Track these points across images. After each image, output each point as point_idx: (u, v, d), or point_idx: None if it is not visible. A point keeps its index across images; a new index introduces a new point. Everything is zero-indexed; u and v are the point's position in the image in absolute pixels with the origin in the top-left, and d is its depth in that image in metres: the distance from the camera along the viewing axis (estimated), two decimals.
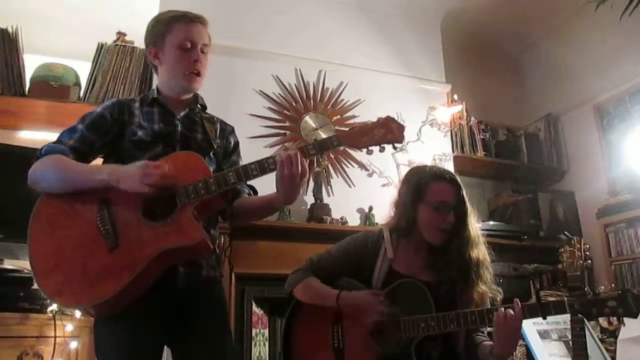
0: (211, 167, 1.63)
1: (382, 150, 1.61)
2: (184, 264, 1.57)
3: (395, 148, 1.64)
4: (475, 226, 1.85)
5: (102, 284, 1.40)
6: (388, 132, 1.59)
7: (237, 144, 1.86)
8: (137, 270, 1.41)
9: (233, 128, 1.88)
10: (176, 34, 1.69)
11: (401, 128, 1.61)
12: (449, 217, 1.77)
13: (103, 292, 1.39)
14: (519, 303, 1.61)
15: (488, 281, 1.80)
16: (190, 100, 1.78)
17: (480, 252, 1.81)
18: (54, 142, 1.60)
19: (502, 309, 1.60)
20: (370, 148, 1.60)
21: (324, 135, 3.13)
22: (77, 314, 2.15)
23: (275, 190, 1.58)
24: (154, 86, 2.84)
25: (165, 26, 1.71)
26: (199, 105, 1.79)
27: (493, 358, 1.64)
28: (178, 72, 1.70)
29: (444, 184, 1.82)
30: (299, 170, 1.49)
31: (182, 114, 1.74)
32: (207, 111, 1.84)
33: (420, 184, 1.83)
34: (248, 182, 1.70)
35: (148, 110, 1.71)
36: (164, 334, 1.57)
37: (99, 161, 1.70)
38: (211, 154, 1.71)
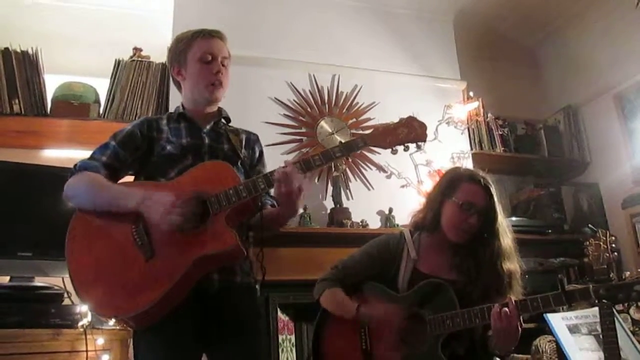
0: (239, 176, 1.66)
1: (406, 149, 1.66)
2: (218, 271, 1.60)
3: (419, 147, 1.68)
4: (508, 237, 1.85)
5: (141, 294, 1.43)
6: (411, 131, 1.64)
7: (261, 152, 1.90)
8: (175, 278, 1.44)
9: (257, 136, 1.92)
10: (197, 48, 1.76)
11: (423, 126, 1.66)
12: (472, 219, 1.79)
13: (143, 302, 1.42)
14: (513, 300, 1.62)
15: (518, 292, 1.80)
16: (214, 114, 1.83)
17: (513, 263, 1.83)
18: (87, 159, 1.65)
19: (498, 306, 1.62)
20: (394, 148, 1.64)
21: (339, 139, 3.15)
22: (109, 325, 2.19)
23: None
24: (170, 100, 2.92)
25: (186, 43, 1.79)
26: (223, 120, 1.85)
27: (497, 350, 1.70)
28: (201, 84, 1.76)
29: (476, 187, 1.83)
30: (295, 187, 1.53)
31: (207, 127, 1.79)
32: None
33: (453, 181, 1.88)
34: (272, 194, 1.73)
35: (175, 126, 1.76)
36: (200, 342, 1.59)
37: (129, 178, 1.75)
38: (238, 163, 1.75)
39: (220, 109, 1.86)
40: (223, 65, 1.78)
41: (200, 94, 1.77)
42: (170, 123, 1.77)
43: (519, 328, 1.61)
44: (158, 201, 1.49)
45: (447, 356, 1.68)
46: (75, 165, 1.63)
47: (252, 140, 1.89)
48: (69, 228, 1.56)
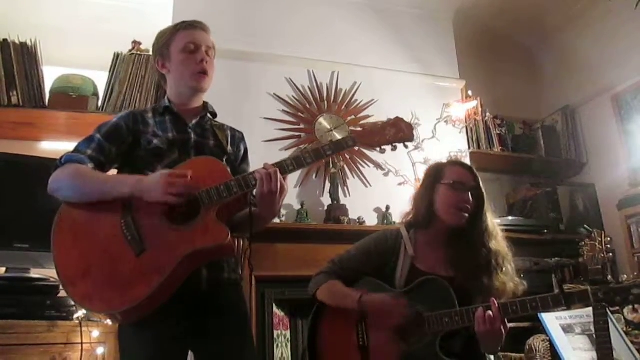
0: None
1: (394, 149, 1.70)
2: (206, 267, 1.59)
3: (406, 147, 1.71)
4: (494, 220, 1.89)
5: (132, 289, 1.42)
6: (399, 131, 1.67)
7: (246, 151, 1.89)
8: (167, 273, 1.42)
9: (242, 134, 1.91)
10: (180, 39, 1.76)
11: (410, 127, 1.69)
12: (467, 197, 1.83)
13: (134, 296, 1.41)
14: (496, 303, 1.63)
15: (510, 273, 1.82)
16: (200, 109, 1.82)
17: (500, 244, 1.86)
18: (72, 152, 1.62)
19: (482, 309, 1.63)
20: (383, 147, 1.69)
21: (338, 136, 3.16)
22: (103, 320, 2.19)
23: None
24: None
25: (169, 36, 1.78)
26: (209, 115, 1.83)
27: (484, 351, 1.71)
28: (186, 73, 1.74)
29: (460, 168, 1.91)
30: (278, 187, 1.53)
31: (194, 122, 1.77)
32: (223, 116, 1.89)
33: (437, 170, 1.93)
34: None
35: (161, 120, 1.74)
36: (187, 338, 1.59)
37: (113, 171, 1.72)
38: (224, 160, 1.73)
39: (206, 104, 1.84)
40: (207, 55, 1.77)
41: (185, 84, 1.75)
42: (156, 116, 1.75)
43: (503, 331, 1.62)
44: (154, 180, 1.48)
45: (444, 354, 1.67)
46: (61, 158, 1.60)
47: (238, 137, 1.87)
48: (54, 221, 1.53)
